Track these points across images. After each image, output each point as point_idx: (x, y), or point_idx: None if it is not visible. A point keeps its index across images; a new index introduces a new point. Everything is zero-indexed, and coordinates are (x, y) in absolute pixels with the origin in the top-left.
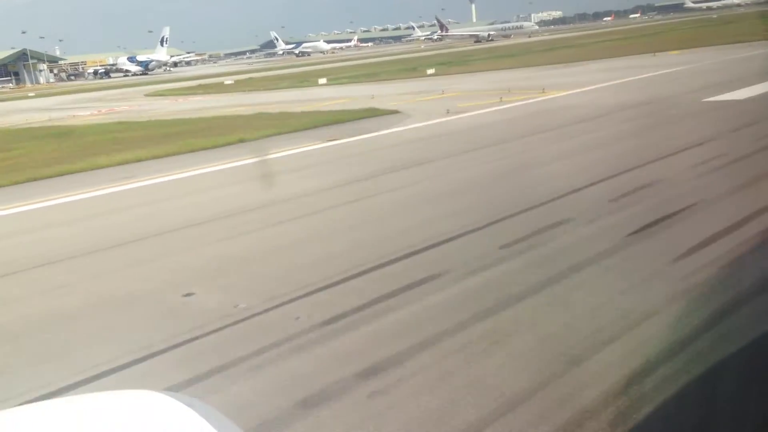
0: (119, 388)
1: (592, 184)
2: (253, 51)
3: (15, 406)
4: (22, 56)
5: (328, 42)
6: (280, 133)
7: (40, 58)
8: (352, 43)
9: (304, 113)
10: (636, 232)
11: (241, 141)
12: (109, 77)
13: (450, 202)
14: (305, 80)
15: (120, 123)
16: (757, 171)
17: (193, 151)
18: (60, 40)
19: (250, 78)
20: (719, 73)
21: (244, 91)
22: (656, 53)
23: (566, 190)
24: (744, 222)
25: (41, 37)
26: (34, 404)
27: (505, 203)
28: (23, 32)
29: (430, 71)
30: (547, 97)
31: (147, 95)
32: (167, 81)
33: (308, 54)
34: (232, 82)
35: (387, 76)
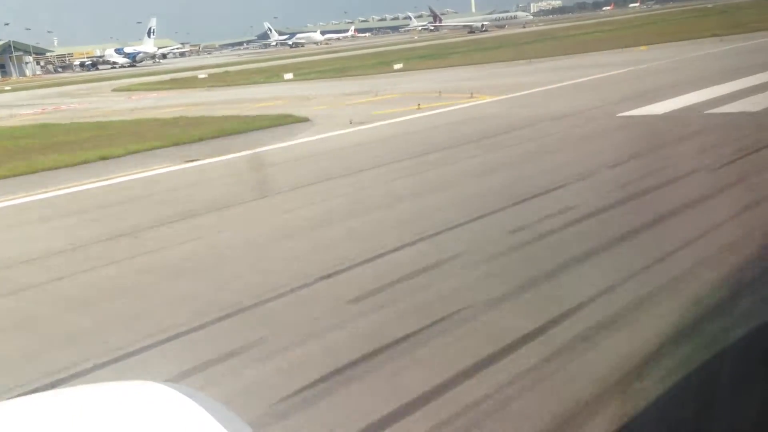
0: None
1: (365, 261)
2: (250, 42)
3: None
4: (8, 48)
5: (326, 32)
6: (157, 147)
7: (26, 50)
8: (349, 34)
9: (219, 119)
10: (307, 387)
11: (102, 158)
12: (98, 69)
13: (119, 303)
14: (275, 75)
15: (42, 125)
16: (582, 245)
17: (40, 170)
18: (49, 32)
19: (227, 72)
20: (666, 75)
21: (205, 87)
22: (625, 48)
23: (314, 276)
24: (483, 366)
25: (27, 29)
26: (28, 396)
27: (185, 311)
28: (6, 24)
29: (397, 66)
30: (467, 105)
31: (114, 90)
32: (148, 74)
33: (302, 45)
34: (206, 76)
35: (354, 72)
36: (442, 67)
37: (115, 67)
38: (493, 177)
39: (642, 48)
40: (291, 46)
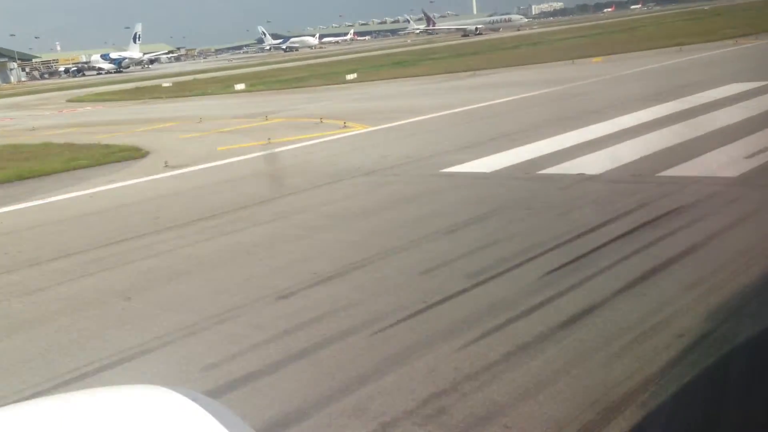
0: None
1: None
2: (249, 46)
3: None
4: None
5: (325, 36)
6: None
7: (10, 56)
8: (348, 37)
9: (72, 148)
10: None
11: None
12: (84, 75)
13: None
14: (229, 86)
15: None
16: None
17: None
18: (36, 38)
19: (195, 79)
20: (566, 104)
21: (146, 99)
22: (577, 60)
23: None
24: None
25: (11, 35)
26: (32, 401)
27: None
28: None
29: (350, 77)
30: (318, 141)
31: (68, 101)
32: (123, 81)
33: (296, 49)
34: (170, 84)
35: (304, 83)
36: (390, 79)
37: (101, 73)
38: (85, 315)
39: (595, 60)
40: (285, 51)
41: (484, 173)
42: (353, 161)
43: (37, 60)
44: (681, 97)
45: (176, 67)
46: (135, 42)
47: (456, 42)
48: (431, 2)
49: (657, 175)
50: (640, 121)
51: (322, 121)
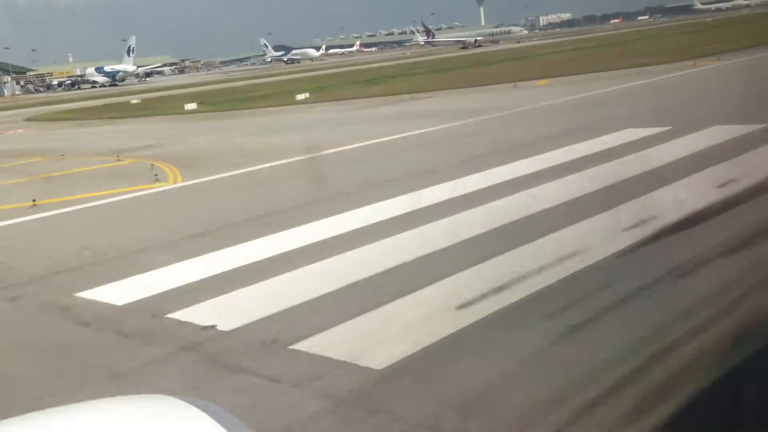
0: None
1: None
2: (254, 57)
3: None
4: None
5: (331, 47)
6: None
7: (4, 69)
8: (354, 48)
9: None
10: None
11: None
12: (79, 88)
13: None
14: (181, 105)
15: None
16: None
17: None
18: (33, 50)
19: (170, 95)
20: (442, 149)
21: (86, 121)
22: (519, 83)
23: None
24: None
25: (6, 48)
26: (47, 410)
27: None
28: None
29: (301, 96)
30: (79, 207)
31: (25, 119)
32: (109, 96)
33: (298, 61)
34: (138, 101)
35: (257, 103)
36: (336, 100)
37: (95, 86)
38: None
39: (539, 83)
40: (286, 63)
41: (112, 307)
42: (32, 258)
43: (32, 73)
44: (556, 148)
45: (174, 80)
46: (129, 55)
47: (451, 55)
48: (432, 15)
49: (290, 347)
50: (457, 193)
51: (153, 167)
